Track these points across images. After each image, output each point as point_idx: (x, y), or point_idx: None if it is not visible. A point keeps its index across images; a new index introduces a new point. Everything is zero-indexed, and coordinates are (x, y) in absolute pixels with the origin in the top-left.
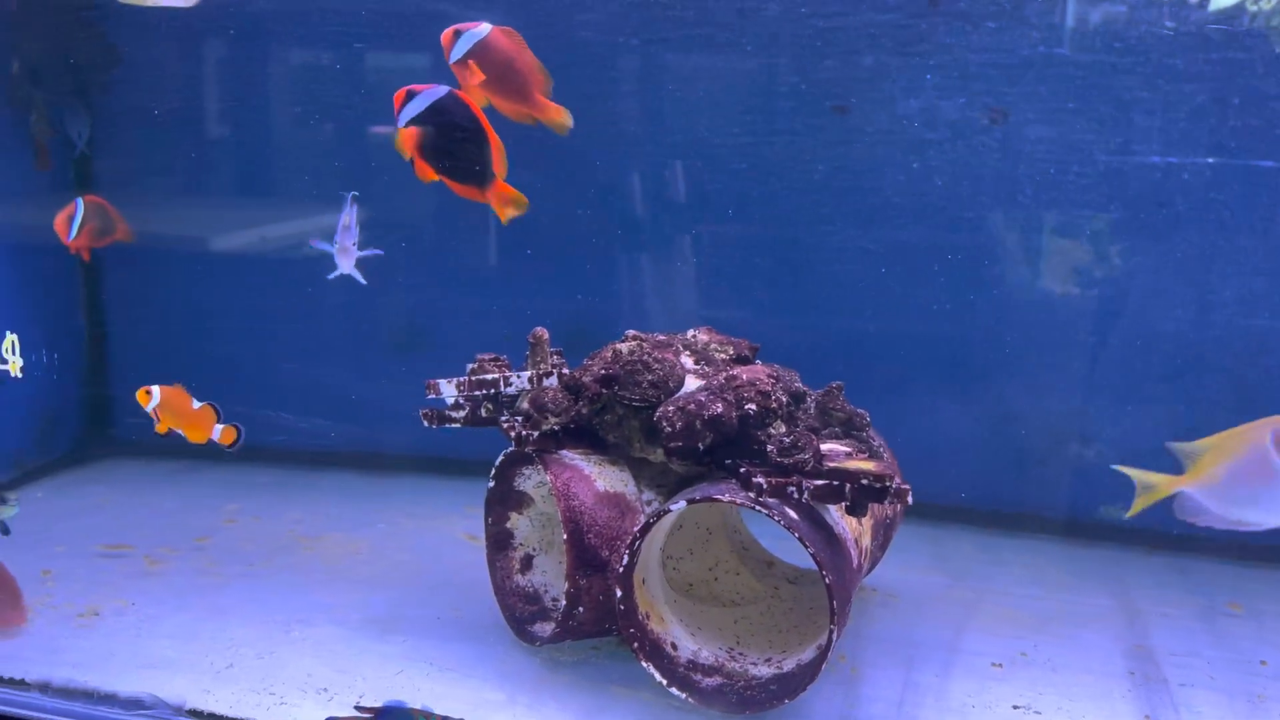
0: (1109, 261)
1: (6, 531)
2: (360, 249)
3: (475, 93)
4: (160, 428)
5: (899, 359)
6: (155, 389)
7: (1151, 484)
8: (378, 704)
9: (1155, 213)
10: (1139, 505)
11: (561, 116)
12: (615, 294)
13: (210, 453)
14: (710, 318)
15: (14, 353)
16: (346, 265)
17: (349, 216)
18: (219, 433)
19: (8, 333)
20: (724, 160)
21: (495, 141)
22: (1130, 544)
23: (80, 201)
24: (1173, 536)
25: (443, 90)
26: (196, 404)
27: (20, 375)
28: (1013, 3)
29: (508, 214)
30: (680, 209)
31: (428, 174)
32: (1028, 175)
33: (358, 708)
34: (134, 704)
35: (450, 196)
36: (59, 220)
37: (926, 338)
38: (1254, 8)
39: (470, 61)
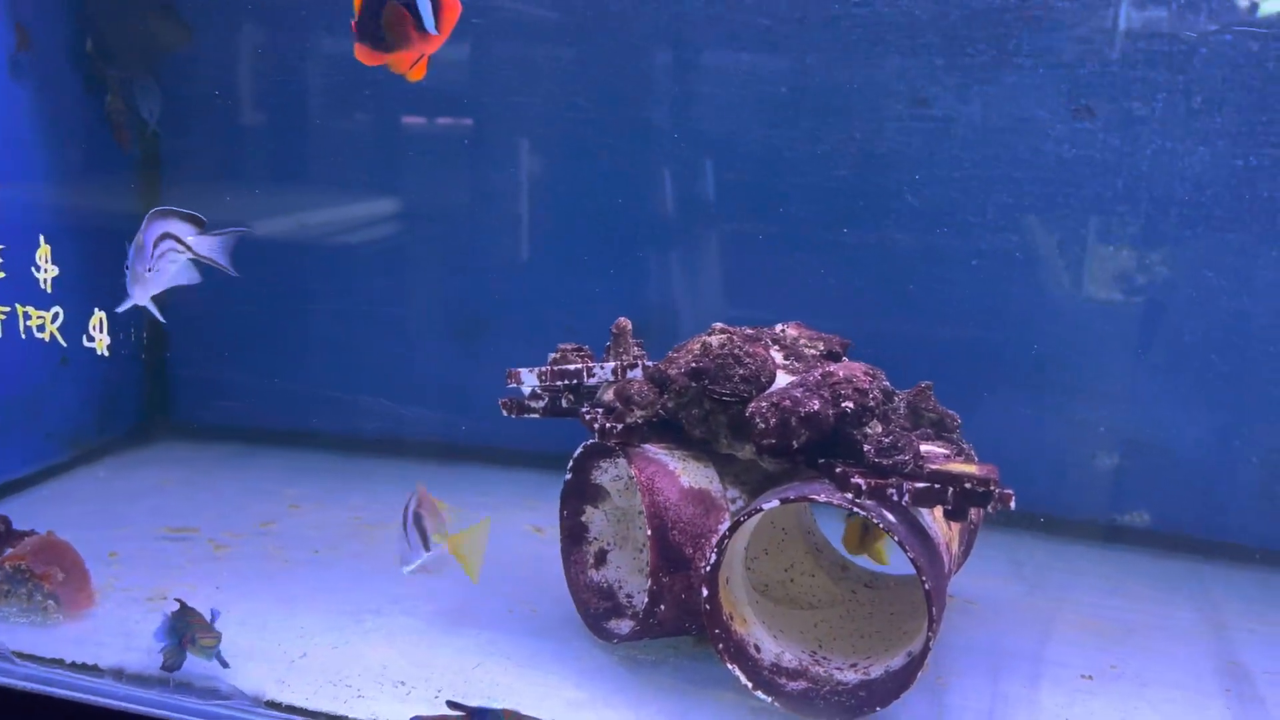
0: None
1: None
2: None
3: None
4: None
5: (972, 362)
6: None
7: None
8: (472, 704)
9: None
10: None
11: None
12: (678, 287)
13: (266, 437)
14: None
15: (101, 330)
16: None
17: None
18: None
19: (96, 309)
20: (795, 158)
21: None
22: (1211, 556)
23: None
24: (1256, 551)
25: None
26: None
27: (107, 354)
28: None
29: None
30: (750, 204)
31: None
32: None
33: (450, 704)
34: (210, 693)
35: (516, 183)
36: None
37: (1002, 341)
38: None
39: None
